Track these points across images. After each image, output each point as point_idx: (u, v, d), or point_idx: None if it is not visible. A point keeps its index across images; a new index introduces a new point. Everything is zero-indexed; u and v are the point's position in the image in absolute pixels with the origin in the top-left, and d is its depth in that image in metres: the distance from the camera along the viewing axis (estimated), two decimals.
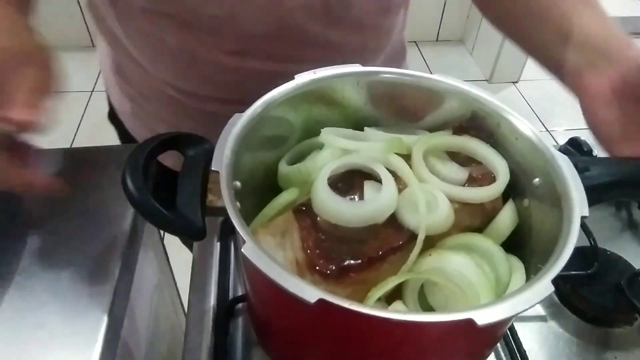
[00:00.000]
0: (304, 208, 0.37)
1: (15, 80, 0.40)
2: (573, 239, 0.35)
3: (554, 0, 0.53)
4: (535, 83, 2.38)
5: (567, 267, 0.53)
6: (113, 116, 0.74)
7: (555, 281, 0.54)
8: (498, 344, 0.48)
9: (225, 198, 0.34)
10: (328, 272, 0.34)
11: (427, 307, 0.38)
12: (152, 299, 0.64)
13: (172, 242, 0.84)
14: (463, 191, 0.40)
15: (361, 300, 0.36)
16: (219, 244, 0.56)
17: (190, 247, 0.81)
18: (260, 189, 0.43)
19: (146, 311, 0.60)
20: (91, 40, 2.31)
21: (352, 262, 0.35)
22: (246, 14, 0.51)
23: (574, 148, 0.60)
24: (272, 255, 0.35)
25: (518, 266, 0.40)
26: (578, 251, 0.54)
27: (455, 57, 2.60)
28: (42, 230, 0.47)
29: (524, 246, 0.42)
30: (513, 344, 0.47)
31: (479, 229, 0.42)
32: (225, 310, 0.50)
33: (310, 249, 0.35)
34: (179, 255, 0.84)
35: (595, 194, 0.39)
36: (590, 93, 0.47)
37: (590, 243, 0.54)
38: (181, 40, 0.54)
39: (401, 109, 0.47)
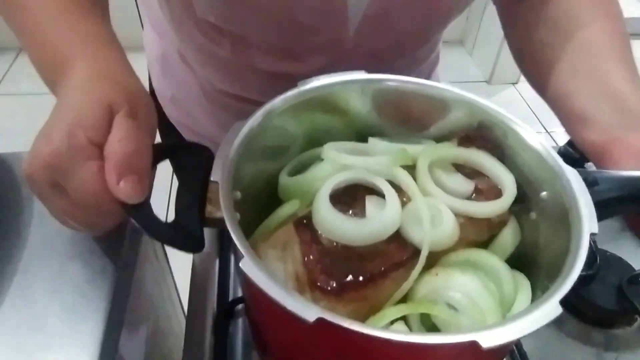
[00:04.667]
0: (304, 221, 0.36)
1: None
2: (582, 257, 0.34)
3: (588, 49, 0.53)
4: None
5: None
6: (153, 98, 0.74)
7: None
8: None
9: (225, 210, 0.33)
10: (328, 288, 0.33)
11: (431, 325, 0.37)
12: (152, 299, 0.63)
13: None
14: (468, 205, 0.39)
15: (362, 317, 0.35)
16: (219, 244, 0.56)
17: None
18: (262, 198, 0.43)
19: (146, 312, 0.60)
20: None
21: (353, 279, 0.34)
22: (309, 44, 0.52)
23: (573, 149, 0.60)
24: (272, 270, 0.34)
25: (524, 284, 0.39)
26: None
27: (455, 59, 2.60)
28: (41, 230, 0.47)
29: (531, 262, 0.41)
30: (513, 345, 0.47)
31: (485, 243, 0.41)
32: (225, 311, 0.50)
33: (311, 264, 0.34)
34: (179, 255, 0.83)
35: (604, 209, 0.38)
36: (632, 152, 0.47)
37: (590, 244, 0.54)
38: (235, 54, 0.55)
39: (407, 117, 0.46)
